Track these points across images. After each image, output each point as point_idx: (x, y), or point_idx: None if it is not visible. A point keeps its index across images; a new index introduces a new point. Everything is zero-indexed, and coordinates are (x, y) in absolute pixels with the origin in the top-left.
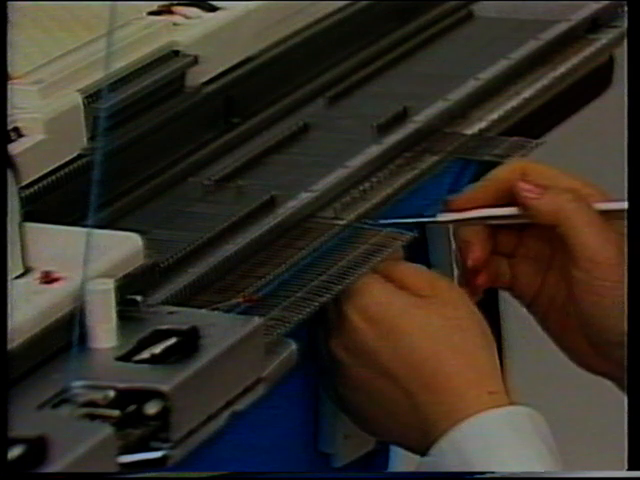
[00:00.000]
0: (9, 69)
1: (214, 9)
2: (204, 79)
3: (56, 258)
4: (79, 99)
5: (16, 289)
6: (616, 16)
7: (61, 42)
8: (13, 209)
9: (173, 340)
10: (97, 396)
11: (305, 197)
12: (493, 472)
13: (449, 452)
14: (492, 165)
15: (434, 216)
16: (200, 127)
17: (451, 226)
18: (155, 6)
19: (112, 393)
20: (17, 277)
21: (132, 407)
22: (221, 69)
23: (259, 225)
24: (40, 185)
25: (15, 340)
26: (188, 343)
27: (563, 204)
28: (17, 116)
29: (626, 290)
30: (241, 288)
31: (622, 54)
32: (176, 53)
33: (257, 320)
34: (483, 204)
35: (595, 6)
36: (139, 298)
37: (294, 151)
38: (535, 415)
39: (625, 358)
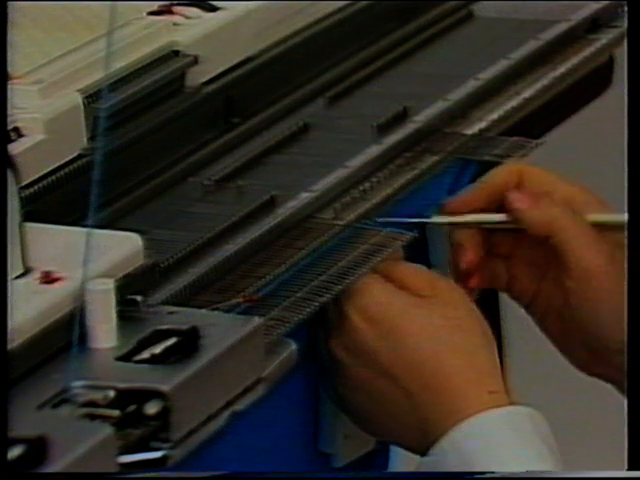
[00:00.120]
0: (9, 69)
1: (214, 9)
2: (204, 79)
3: (56, 258)
4: (79, 99)
5: (16, 289)
6: (616, 16)
7: (61, 42)
8: (13, 209)
9: (173, 340)
10: (97, 396)
11: (305, 197)
12: (493, 472)
13: (450, 452)
14: (492, 165)
15: (429, 217)
16: (200, 127)
17: (446, 227)
18: (155, 6)
19: (112, 393)
20: (17, 277)
21: (132, 407)
22: (221, 69)
23: (259, 225)
24: (40, 185)
25: (15, 340)
26: (188, 343)
27: (555, 215)
28: (17, 116)
29: (626, 290)
30: (241, 288)
31: (622, 54)
32: (176, 53)
33: (257, 320)
34: (478, 207)
35: (595, 6)
36: (139, 298)
37: (294, 151)
38: (535, 415)
39: (625, 362)
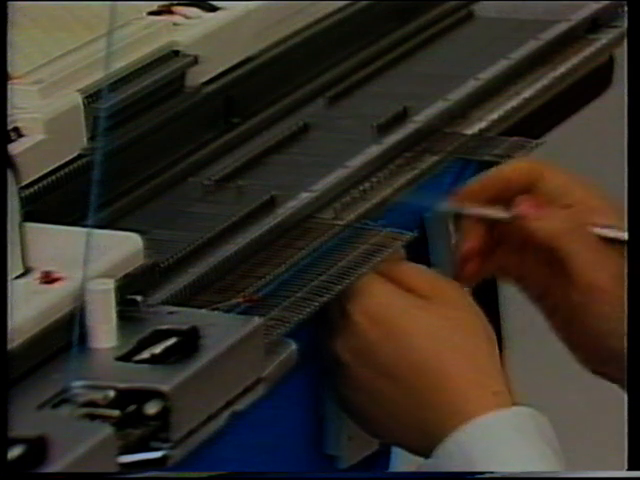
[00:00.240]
0: (9, 69)
1: (214, 9)
2: (204, 79)
3: (56, 258)
4: (79, 99)
5: (16, 289)
6: (616, 16)
7: (61, 42)
8: (13, 209)
9: (173, 340)
10: (97, 396)
11: (305, 197)
12: (493, 472)
13: (454, 453)
14: (492, 165)
15: (430, 215)
16: (200, 127)
17: (447, 224)
18: (155, 6)
19: (112, 393)
20: (17, 277)
21: (132, 407)
22: (221, 69)
23: (259, 225)
24: (40, 185)
25: (15, 340)
26: (188, 343)
27: (560, 229)
28: (17, 116)
29: (627, 289)
30: (241, 288)
31: (622, 54)
32: (176, 53)
33: (257, 320)
34: (487, 197)
35: (595, 6)
36: (139, 298)
37: (294, 151)
38: (539, 416)
39: (625, 359)
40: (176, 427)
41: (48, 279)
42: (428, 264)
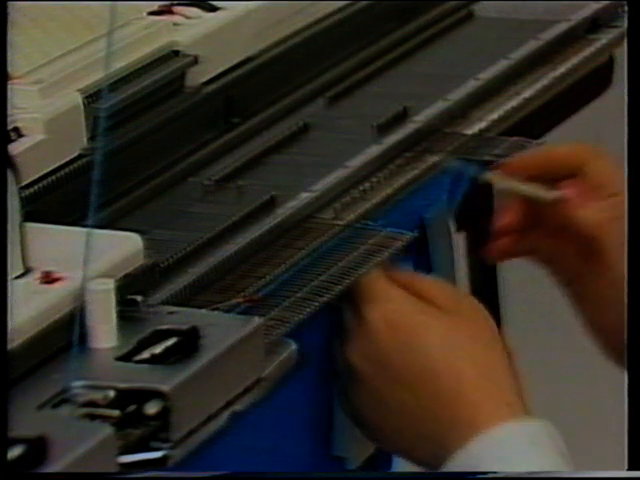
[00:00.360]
0: (9, 69)
1: (214, 9)
2: (204, 79)
3: (56, 258)
4: (79, 99)
5: (16, 289)
6: (616, 16)
7: (61, 42)
8: (13, 209)
9: (173, 340)
10: (97, 396)
11: (305, 197)
12: (495, 472)
13: (466, 466)
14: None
15: (430, 217)
16: (200, 127)
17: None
18: (155, 6)
19: (112, 393)
20: (17, 277)
21: (132, 407)
22: (221, 69)
23: (259, 225)
24: (40, 185)
25: (15, 340)
26: (188, 343)
27: (601, 221)
28: (17, 116)
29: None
30: (241, 288)
31: (622, 54)
32: (176, 53)
33: (257, 320)
34: (532, 174)
35: (595, 6)
36: (139, 298)
37: (294, 151)
38: (551, 428)
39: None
40: (176, 427)
41: (48, 279)
42: (428, 264)
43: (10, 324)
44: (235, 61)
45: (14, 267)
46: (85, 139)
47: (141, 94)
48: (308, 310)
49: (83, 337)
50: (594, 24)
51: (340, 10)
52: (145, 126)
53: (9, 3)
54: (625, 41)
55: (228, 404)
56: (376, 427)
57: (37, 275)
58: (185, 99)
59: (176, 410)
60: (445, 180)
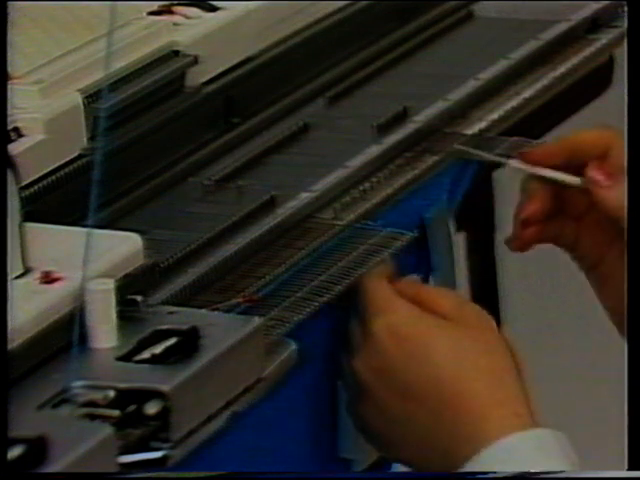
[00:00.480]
0: (9, 69)
1: (214, 9)
2: (204, 79)
3: (56, 258)
4: (79, 99)
5: (16, 289)
6: (616, 16)
7: (61, 42)
8: (13, 209)
9: (173, 340)
10: (97, 396)
11: (305, 197)
12: (495, 472)
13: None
14: (492, 165)
15: (430, 217)
16: (200, 127)
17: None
18: (155, 6)
19: (112, 393)
20: (17, 277)
21: (132, 407)
22: (221, 69)
23: (259, 225)
24: (40, 185)
25: (15, 340)
26: (188, 343)
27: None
28: (17, 116)
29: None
30: (241, 288)
31: (622, 54)
32: (176, 53)
33: (257, 320)
34: (557, 161)
35: (595, 6)
36: (139, 298)
37: (294, 151)
38: (561, 437)
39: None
40: (176, 427)
41: (48, 279)
42: (428, 264)
43: (10, 324)
44: (235, 61)
45: (14, 267)
46: (85, 139)
47: (141, 94)
48: (308, 310)
49: (83, 337)
50: (594, 24)
51: (340, 10)
52: (145, 126)
53: (9, 3)
54: (625, 41)
55: (228, 404)
56: (383, 438)
57: (37, 275)
58: (185, 99)
59: (176, 410)
60: (445, 180)
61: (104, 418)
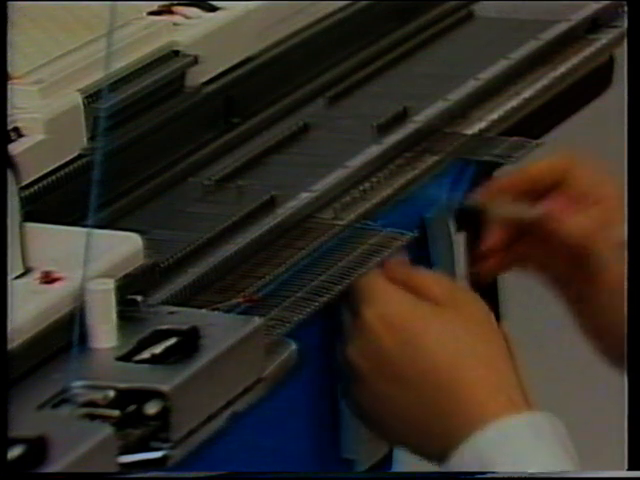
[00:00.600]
0: (9, 69)
1: (214, 9)
2: (204, 79)
3: (56, 258)
4: (79, 99)
5: (16, 289)
6: (616, 16)
7: (61, 42)
8: (13, 209)
9: (173, 340)
10: (97, 396)
11: (305, 197)
12: (494, 472)
13: (470, 458)
14: (492, 165)
15: (431, 216)
16: (200, 127)
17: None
18: (155, 6)
19: (112, 393)
20: (17, 277)
21: (132, 407)
22: (221, 69)
23: (259, 225)
24: (40, 185)
25: (15, 340)
26: (188, 343)
27: (587, 229)
28: (17, 116)
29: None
30: (241, 288)
31: (622, 54)
32: (176, 53)
33: (257, 320)
34: (516, 193)
35: (595, 6)
36: (139, 298)
37: (294, 151)
38: (555, 420)
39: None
40: (176, 427)
41: (48, 279)
42: (428, 264)
43: (10, 324)
44: (235, 61)
45: (14, 267)
46: (85, 139)
47: (141, 94)
48: (308, 310)
49: (83, 337)
50: (594, 24)
51: (340, 10)
52: (145, 126)
53: (9, 3)
54: (625, 41)
55: (228, 404)
56: (381, 424)
57: (37, 275)
58: (185, 99)
59: (176, 410)
60: (445, 180)
61: (104, 418)
